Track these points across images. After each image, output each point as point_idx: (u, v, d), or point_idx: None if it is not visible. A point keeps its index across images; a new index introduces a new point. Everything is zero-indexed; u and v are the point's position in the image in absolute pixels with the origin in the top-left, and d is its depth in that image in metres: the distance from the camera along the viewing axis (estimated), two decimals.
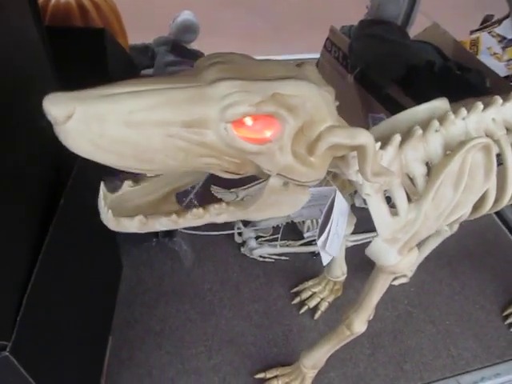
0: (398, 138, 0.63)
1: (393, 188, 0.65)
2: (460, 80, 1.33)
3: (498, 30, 1.80)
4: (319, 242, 0.60)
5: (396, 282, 1.23)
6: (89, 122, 0.39)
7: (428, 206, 0.65)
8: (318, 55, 1.84)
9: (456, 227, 1.14)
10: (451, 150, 0.65)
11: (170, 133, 0.42)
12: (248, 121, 0.43)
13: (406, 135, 0.65)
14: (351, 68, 1.59)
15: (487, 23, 1.87)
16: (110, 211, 0.47)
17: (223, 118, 0.43)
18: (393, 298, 1.21)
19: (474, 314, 1.21)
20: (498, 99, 0.70)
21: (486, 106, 0.69)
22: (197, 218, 0.51)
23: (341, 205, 0.62)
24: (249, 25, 2.74)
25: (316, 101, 0.47)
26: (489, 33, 1.83)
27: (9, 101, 0.64)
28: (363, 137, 0.48)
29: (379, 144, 0.61)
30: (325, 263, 0.65)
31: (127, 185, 0.50)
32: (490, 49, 1.79)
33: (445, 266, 1.31)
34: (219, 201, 0.52)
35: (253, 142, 0.44)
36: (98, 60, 1.07)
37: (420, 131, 0.65)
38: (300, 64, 0.55)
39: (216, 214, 0.51)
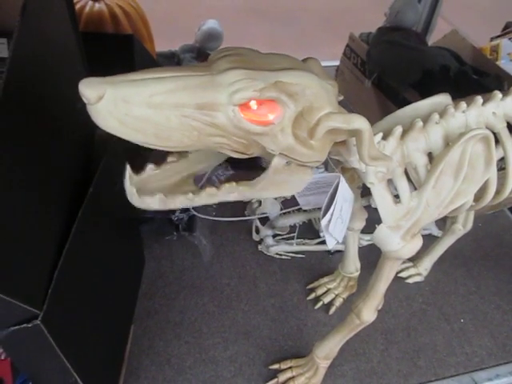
0: (399, 129, 0.67)
1: (396, 177, 0.69)
2: (476, 84, 1.35)
3: None
4: (323, 223, 0.64)
5: (411, 280, 1.25)
6: (117, 102, 0.45)
7: (429, 194, 0.68)
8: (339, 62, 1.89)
9: (470, 226, 1.16)
10: (452, 141, 0.69)
11: (185, 114, 0.48)
12: (253, 105, 0.49)
13: (408, 127, 0.69)
14: (369, 73, 1.63)
15: (508, 29, 1.89)
16: (134, 189, 0.53)
17: (231, 101, 0.48)
18: (407, 295, 1.23)
19: (489, 313, 1.22)
20: (498, 94, 0.73)
21: (486, 100, 0.73)
22: (210, 196, 0.56)
23: (344, 191, 0.66)
24: (272, 33, 2.80)
25: (315, 89, 0.52)
26: (509, 39, 1.84)
27: (46, 96, 0.70)
28: (358, 121, 0.53)
29: (381, 134, 0.66)
30: (330, 246, 0.69)
31: (150, 168, 0.56)
32: (511, 54, 1.80)
33: (460, 266, 1.32)
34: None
35: (257, 124, 0.50)
36: (126, 64, 1.13)
37: (420, 123, 0.68)
38: (305, 59, 0.60)
39: (227, 193, 0.56)
